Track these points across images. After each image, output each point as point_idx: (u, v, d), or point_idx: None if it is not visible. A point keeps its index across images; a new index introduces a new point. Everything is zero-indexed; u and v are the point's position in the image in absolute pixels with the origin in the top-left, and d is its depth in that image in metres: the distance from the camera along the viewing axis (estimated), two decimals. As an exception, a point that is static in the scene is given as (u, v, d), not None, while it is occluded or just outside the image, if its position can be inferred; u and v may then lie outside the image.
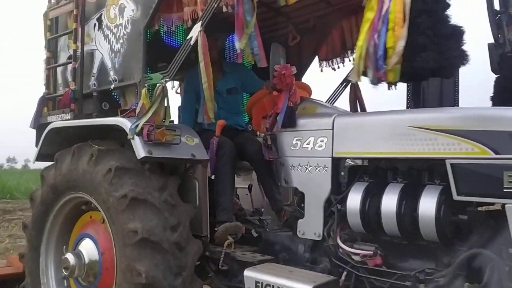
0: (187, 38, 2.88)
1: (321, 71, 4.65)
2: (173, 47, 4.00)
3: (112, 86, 3.37)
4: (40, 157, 3.65)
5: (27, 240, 3.56)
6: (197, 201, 3.14)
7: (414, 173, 2.53)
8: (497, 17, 3.14)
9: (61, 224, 3.46)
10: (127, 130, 2.89)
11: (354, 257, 2.60)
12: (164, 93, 2.95)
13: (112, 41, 3.37)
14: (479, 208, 2.29)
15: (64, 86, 3.80)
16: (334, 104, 4.19)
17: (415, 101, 3.30)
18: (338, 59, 4.53)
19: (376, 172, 2.68)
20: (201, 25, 2.81)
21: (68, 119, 3.48)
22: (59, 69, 3.85)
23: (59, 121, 3.53)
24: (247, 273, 2.65)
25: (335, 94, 4.31)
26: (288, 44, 4.51)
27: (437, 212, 2.30)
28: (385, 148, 2.54)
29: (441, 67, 2.30)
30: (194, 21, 3.03)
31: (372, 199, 2.60)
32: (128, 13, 3.25)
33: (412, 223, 2.39)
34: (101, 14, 3.48)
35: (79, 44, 3.51)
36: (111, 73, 3.39)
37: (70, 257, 3.14)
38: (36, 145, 3.67)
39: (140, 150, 2.82)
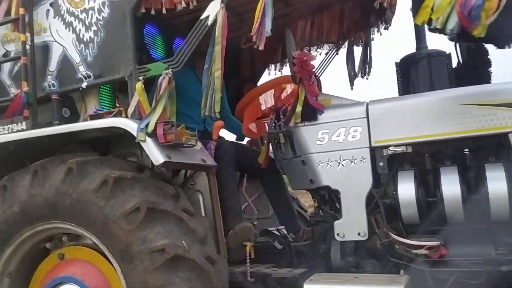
0: (202, 17, 2.42)
1: (269, 74, 4.48)
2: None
3: (83, 85, 2.67)
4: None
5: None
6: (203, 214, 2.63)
7: (465, 154, 2.42)
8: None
9: (13, 277, 2.59)
10: (134, 132, 2.29)
11: (416, 251, 2.37)
12: (171, 85, 2.43)
13: (79, 30, 2.70)
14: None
15: (-1, 91, 2.95)
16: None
17: (405, 86, 3.25)
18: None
19: (420, 158, 2.51)
20: (222, 1, 2.38)
21: (22, 131, 2.65)
22: (-13, 71, 2.97)
23: (6, 134, 2.68)
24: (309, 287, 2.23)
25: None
26: (241, 46, 4.23)
27: (509, 189, 2.20)
28: (435, 130, 2.40)
29: None
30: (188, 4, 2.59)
31: (427, 186, 2.44)
32: (102, -5, 2.64)
33: (480, 205, 2.27)
34: (56, -2, 2.78)
35: (28, 35, 2.74)
36: (81, 68, 2.69)
37: None
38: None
39: (157, 154, 2.24)
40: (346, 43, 4.11)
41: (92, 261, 2.41)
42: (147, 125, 2.29)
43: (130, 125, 2.32)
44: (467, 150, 2.42)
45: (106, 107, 2.87)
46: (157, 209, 2.20)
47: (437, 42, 3.47)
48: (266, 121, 3.53)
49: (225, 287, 2.34)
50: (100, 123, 2.42)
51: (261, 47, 2.47)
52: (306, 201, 4.46)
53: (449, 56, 3.16)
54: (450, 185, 2.33)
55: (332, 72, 4.27)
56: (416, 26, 3.37)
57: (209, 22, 2.40)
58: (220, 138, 3.24)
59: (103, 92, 2.90)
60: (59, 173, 2.37)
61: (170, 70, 2.43)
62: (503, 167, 2.26)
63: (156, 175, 2.48)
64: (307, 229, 2.97)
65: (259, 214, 3.54)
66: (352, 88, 4.07)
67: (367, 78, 3.84)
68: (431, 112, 2.42)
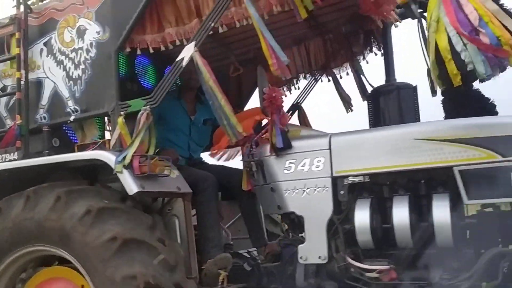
0: (177, 59, 2.68)
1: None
2: None
3: (71, 118, 2.95)
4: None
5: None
6: (178, 239, 2.85)
7: (417, 184, 2.63)
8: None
9: None
10: (112, 164, 2.54)
11: (368, 274, 2.58)
12: (149, 120, 2.68)
13: (69, 67, 2.98)
14: (486, 210, 2.48)
15: (-6, 124, 3.23)
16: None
17: (376, 118, 3.49)
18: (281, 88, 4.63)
19: (377, 187, 2.72)
20: (195, 45, 2.64)
21: (14, 160, 2.92)
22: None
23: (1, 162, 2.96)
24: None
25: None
26: (230, 75, 4.48)
27: (451, 218, 2.41)
28: (390, 162, 2.61)
29: None
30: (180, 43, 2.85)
31: (380, 214, 2.64)
32: (91, 36, 2.92)
33: (426, 232, 2.48)
34: (50, 38, 3.07)
35: (23, 72, 3.02)
36: (70, 103, 2.97)
37: None
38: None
39: (131, 184, 2.49)
40: (331, 71, 4.35)
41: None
42: (124, 158, 2.54)
43: (109, 157, 2.58)
44: (419, 181, 2.63)
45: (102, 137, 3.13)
46: (133, 239, 2.44)
47: (405, 75, 3.73)
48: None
49: None
50: (81, 155, 2.69)
51: (287, 76, 2.79)
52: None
53: (415, 88, 3.39)
54: (400, 213, 2.53)
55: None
56: (385, 58, 3.63)
57: (184, 63, 2.66)
58: (204, 165, 3.50)
59: (99, 122, 3.17)
60: (49, 200, 2.61)
61: (148, 106, 2.68)
62: (448, 197, 2.47)
63: (136, 204, 2.70)
64: (270, 243, 3.18)
65: (240, 234, 3.77)
66: (348, 111, 4.27)
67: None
68: (386, 146, 2.63)
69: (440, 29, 2.29)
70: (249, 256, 3.11)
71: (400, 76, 3.57)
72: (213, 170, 3.46)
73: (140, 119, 2.65)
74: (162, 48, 2.86)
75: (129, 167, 2.53)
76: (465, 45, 2.23)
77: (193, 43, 2.65)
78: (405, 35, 3.83)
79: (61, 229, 2.54)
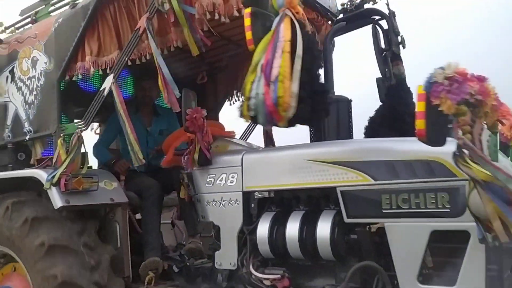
0: (100, 89, 3.06)
1: (230, 104, 5.01)
2: (89, 92, 4.15)
3: (27, 137, 3.45)
4: None
5: None
6: (118, 242, 3.27)
7: (313, 201, 2.85)
8: (383, 54, 3.68)
9: None
10: (44, 181, 2.99)
11: (265, 282, 2.86)
12: (80, 141, 3.09)
13: (26, 93, 3.46)
14: (366, 228, 2.66)
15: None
16: (249, 139, 4.58)
17: (317, 135, 3.69)
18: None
19: (282, 202, 2.97)
20: (113, 77, 3.00)
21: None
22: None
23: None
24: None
25: (248, 129, 4.67)
26: (197, 82, 4.80)
27: (331, 233, 2.62)
28: (287, 181, 2.85)
29: (311, 117, 2.56)
30: (105, 71, 3.20)
31: (278, 226, 2.88)
32: (41, 66, 3.36)
33: (311, 245, 2.70)
34: (13, 67, 3.56)
35: (-8, 97, 3.56)
36: (26, 124, 3.46)
37: None
38: None
39: (57, 200, 2.94)
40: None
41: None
42: (53, 176, 2.97)
43: (42, 175, 3.03)
44: (314, 198, 2.85)
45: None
46: (58, 245, 2.92)
47: (344, 88, 3.86)
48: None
49: None
50: (19, 173, 3.18)
51: (177, 110, 3.05)
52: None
53: (349, 102, 3.55)
54: (292, 226, 2.77)
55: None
56: (325, 72, 3.78)
57: (105, 93, 3.03)
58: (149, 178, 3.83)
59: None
60: (2, 209, 3.16)
61: (79, 130, 3.09)
62: (334, 214, 2.68)
63: (69, 213, 3.11)
64: (189, 245, 3.52)
65: (204, 232, 4.14)
66: None
67: None
68: (286, 165, 2.87)
69: (253, 70, 2.37)
70: (179, 259, 3.47)
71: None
72: (171, 172, 3.82)
73: (72, 141, 3.07)
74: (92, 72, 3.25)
75: (57, 184, 2.96)
76: (258, 93, 2.31)
77: (112, 75, 3.01)
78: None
79: (9, 234, 3.09)
